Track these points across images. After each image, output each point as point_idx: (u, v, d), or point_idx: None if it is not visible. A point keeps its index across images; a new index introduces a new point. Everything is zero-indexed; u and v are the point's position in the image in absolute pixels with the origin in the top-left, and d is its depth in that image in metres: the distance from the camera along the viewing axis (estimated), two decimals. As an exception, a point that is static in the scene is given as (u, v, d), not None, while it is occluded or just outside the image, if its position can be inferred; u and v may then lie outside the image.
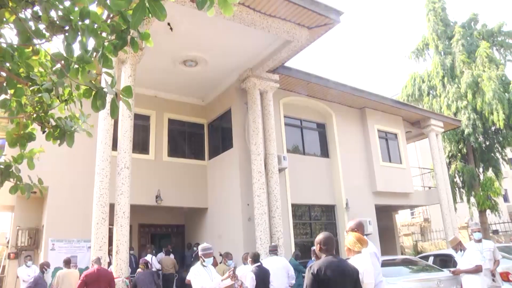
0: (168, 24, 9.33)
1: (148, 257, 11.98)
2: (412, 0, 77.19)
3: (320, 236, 3.91)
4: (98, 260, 7.89)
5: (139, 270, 10.23)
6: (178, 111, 14.03)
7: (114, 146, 9.61)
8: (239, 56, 11.55)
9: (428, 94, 22.99)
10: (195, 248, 13.29)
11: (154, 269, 11.55)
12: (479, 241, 7.96)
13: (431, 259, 10.51)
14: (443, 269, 8.58)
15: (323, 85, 13.63)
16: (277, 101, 13.27)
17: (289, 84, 13.41)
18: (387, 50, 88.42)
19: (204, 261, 6.03)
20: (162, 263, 12.65)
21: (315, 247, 3.94)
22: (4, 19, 2.09)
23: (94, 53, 2.23)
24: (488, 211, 21.14)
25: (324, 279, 3.55)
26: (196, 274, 5.92)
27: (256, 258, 7.27)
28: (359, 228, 4.95)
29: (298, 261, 10.59)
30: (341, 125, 15.08)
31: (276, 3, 9.12)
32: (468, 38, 22.30)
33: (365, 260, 4.26)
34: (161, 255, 13.27)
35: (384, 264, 6.07)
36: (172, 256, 13.11)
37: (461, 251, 7.40)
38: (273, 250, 9.07)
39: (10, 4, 2.05)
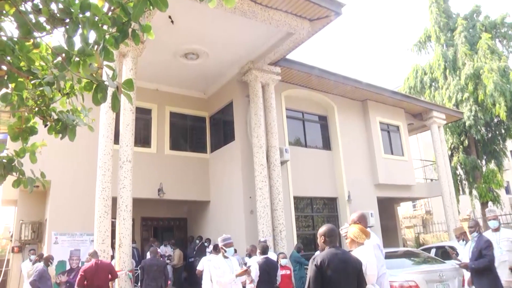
0: (169, 17, 9.29)
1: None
2: (414, -8, 76.69)
3: (323, 228, 3.91)
4: (95, 253, 7.89)
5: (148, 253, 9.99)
6: (179, 104, 14.01)
7: (116, 140, 9.62)
8: (240, 49, 11.51)
9: (430, 86, 22.89)
10: (197, 241, 13.35)
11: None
12: (497, 230, 7.13)
13: (433, 251, 10.55)
14: (445, 261, 8.61)
15: (325, 77, 13.60)
16: (279, 93, 13.24)
17: (291, 77, 13.38)
18: (389, 42, 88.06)
19: (225, 251, 6.00)
20: (175, 256, 12.77)
21: (318, 239, 3.95)
22: (4, 12, 2.08)
23: (95, 46, 2.22)
24: (490, 203, 21.13)
25: (327, 271, 3.55)
26: (216, 267, 5.88)
27: (264, 250, 7.31)
28: (362, 220, 4.96)
29: (300, 254, 10.63)
30: (343, 117, 15.06)
31: (278, -5, 9.07)
32: (470, 30, 22.16)
33: (367, 251, 4.27)
34: (162, 248, 13.32)
35: (386, 256, 6.07)
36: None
37: (463, 240, 7.36)
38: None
39: (10, -4, 2.03)
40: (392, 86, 23.59)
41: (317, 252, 4.17)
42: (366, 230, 4.40)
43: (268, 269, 6.96)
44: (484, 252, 6.26)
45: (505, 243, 6.90)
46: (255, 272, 6.76)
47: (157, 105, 13.49)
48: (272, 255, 8.91)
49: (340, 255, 3.67)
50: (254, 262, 7.12)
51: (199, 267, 9.45)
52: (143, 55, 10.38)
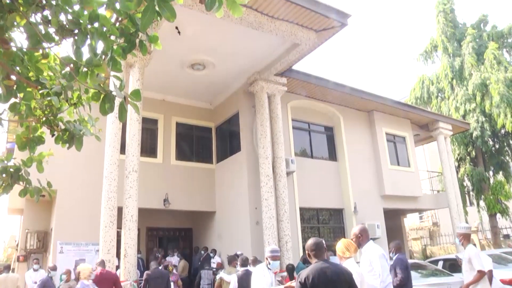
0: (176, 27, 9.35)
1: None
2: (419, 3, 76.90)
3: (309, 242, 3.84)
4: (102, 263, 7.89)
5: (152, 263, 9.92)
6: (186, 114, 14.06)
7: (122, 150, 9.63)
8: (246, 60, 11.56)
9: (437, 96, 22.82)
10: (202, 252, 13.29)
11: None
12: (464, 246, 6.37)
13: (440, 263, 10.42)
14: (452, 274, 8.51)
15: (331, 88, 13.60)
16: (285, 104, 13.26)
17: (297, 88, 13.39)
18: (395, 52, 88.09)
19: (269, 263, 5.99)
20: (179, 267, 12.74)
21: (306, 254, 3.89)
22: (15, 23, 2.10)
23: (103, 56, 2.24)
24: (498, 215, 20.91)
25: (312, 287, 3.45)
26: (261, 274, 5.85)
27: (244, 262, 7.18)
28: (363, 233, 5.00)
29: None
30: (349, 128, 15.03)
31: (284, 6, 9.13)
32: (477, 40, 22.12)
33: (354, 265, 4.33)
34: (169, 258, 13.28)
35: (393, 268, 6.04)
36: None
37: None
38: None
39: (21, 8, 2.06)
40: (398, 97, 23.52)
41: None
42: (351, 244, 4.50)
43: (247, 282, 6.78)
44: (396, 271, 6.19)
45: (464, 262, 6.27)
46: (233, 285, 6.62)
47: (163, 115, 13.54)
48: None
49: (326, 269, 3.55)
50: (233, 275, 6.99)
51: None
52: (150, 66, 10.44)
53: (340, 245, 4.46)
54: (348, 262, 4.29)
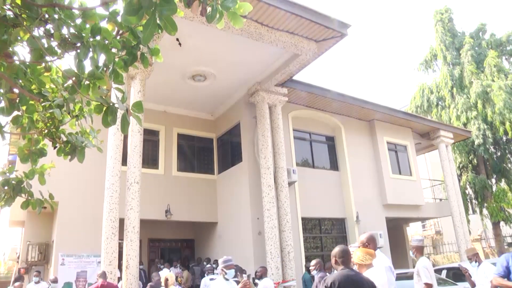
0: (177, 39, 9.37)
1: (166, 271, 11.89)
2: (419, 12, 77.38)
3: (336, 249, 3.87)
4: (103, 274, 7.85)
5: (154, 274, 9.86)
6: (187, 125, 14.09)
7: (124, 161, 9.64)
8: (247, 70, 11.61)
9: (437, 105, 22.89)
10: (205, 263, 13.23)
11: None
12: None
13: (444, 272, 10.35)
14: (456, 283, 8.44)
15: (331, 98, 13.63)
16: (286, 114, 13.28)
17: (298, 98, 13.43)
18: (395, 62, 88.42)
19: (226, 273, 5.93)
20: (183, 277, 12.68)
21: (331, 260, 3.89)
22: (19, 38, 2.13)
23: (105, 69, 2.26)
24: (502, 223, 20.81)
25: None
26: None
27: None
28: (371, 242, 4.85)
29: (310, 275, 10.49)
30: (350, 137, 15.04)
31: (284, 17, 9.19)
32: (476, 48, 22.24)
33: (380, 273, 4.19)
34: (172, 269, 13.21)
35: (397, 277, 5.94)
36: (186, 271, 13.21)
37: (475, 262, 7.18)
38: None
39: (25, 23, 2.08)
40: (399, 106, 23.61)
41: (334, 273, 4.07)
42: (370, 250, 4.33)
43: None
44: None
45: (414, 274, 6.04)
46: None
47: (164, 127, 13.57)
48: (267, 281, 8.65)
49: (352, 276, 3.60)
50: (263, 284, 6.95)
51: None
52: (151, 77, 10.49)
53: (359, 253, 4.25)
54: (371, 271, 4.11)
